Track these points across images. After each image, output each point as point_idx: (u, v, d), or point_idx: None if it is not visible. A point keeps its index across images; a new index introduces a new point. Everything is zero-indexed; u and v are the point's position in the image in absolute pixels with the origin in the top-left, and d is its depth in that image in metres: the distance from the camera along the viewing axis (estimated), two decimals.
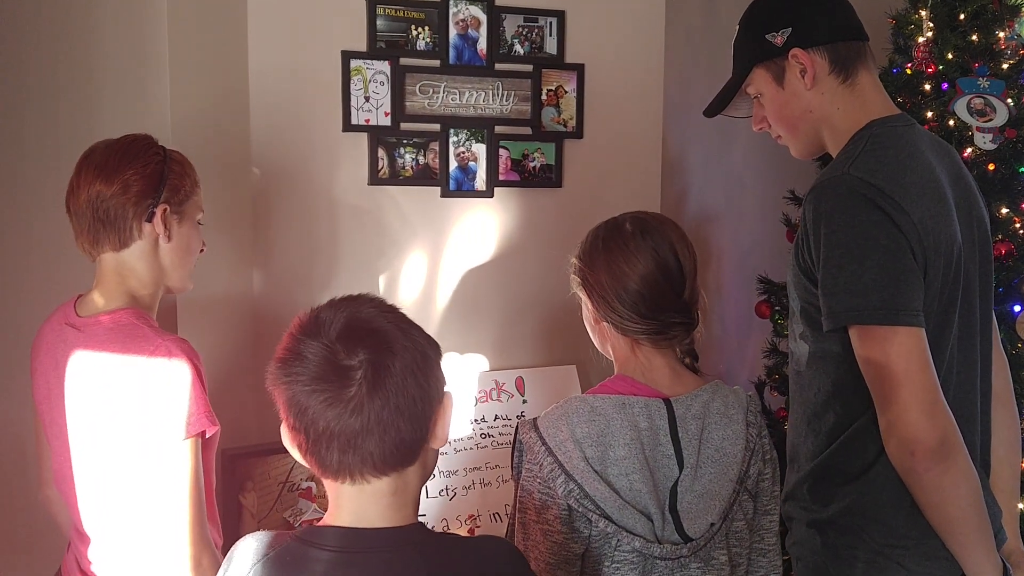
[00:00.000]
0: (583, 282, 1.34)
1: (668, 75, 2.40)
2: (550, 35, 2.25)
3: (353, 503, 1.00)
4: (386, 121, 2.14)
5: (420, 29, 2.14)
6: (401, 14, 2.13)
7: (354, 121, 2.12)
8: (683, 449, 1.26)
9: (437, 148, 2.18)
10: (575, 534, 1.22)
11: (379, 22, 2.11)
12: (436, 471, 2.11)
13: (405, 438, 0.97)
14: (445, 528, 2.07)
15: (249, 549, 1.01)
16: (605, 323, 1.33)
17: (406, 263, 2.19)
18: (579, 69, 2.28)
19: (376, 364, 0.95)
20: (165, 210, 1.44)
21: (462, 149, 2.21)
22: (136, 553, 1.40)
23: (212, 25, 2.00)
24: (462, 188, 2.22)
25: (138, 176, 1.41)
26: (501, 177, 2.25)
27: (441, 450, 2.09)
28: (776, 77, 1.42)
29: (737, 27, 1.49)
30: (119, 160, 1.42)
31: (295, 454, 1.01)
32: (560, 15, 2.25)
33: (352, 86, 2.11)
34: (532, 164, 2.27)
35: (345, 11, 2.09)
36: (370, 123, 2.13)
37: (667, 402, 1.28)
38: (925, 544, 1.30)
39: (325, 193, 2.12)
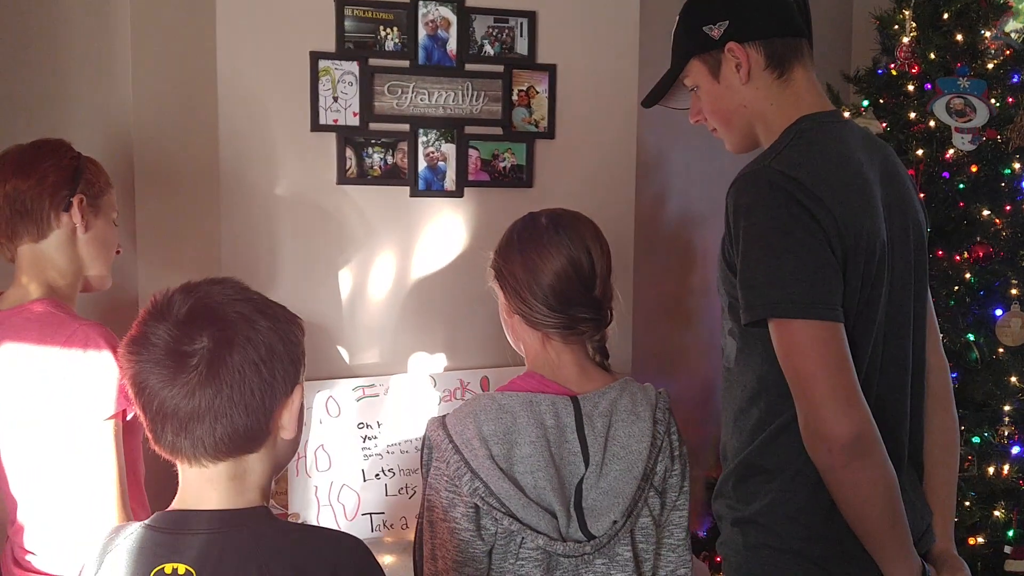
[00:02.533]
0: (498, 275, 1.37)
1: (643, 75, 2.39)
2: (521, 36, 2.25)
3: (191, 485, 1.04)
4: (355, 121, 2.15)
5: (389, 30, 2.15)
6: (370, 15, 2.14)
7: (322, 121, 2.13)
8: (589, 446, 1.28)
9: (406, 148, 2.19)
10: (481, 531, 1.24)
11: (347, 23, 2.12)
12: (395, 469, 2.12)
13: (239, 428, 0.99)
14: (403, 526, 2.08)
15: (115, 541, 1.03)
16: (516, 316, 1.34)
17: (375, 262, 2.21)
18: (551, 70, 2.28)
19: (213, 353, 0.97)
20: (82, 200, 1.50)
21: (431, 149, 2.21)
22: (68, 538, 1.43)
23: (179, 24, 2.03)
24: (431, 188, 2.22)
25: (54, 168, 1.48)
26: (471, 177, 2.25)
27: (400, 448, 2.12)
28: (712, 70, 1.42)
29: (677, 18, 1.49)
30: (34, 156, 1.49)
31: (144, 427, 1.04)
32: (531, 16, 2.25)
33: (320, 86, 2.12)
34: (502, 164, 2.27)
35: (313, 11, 2.10)
36: (338, 123, 2.14)
37: (574, 399, 1.30)
38: (844, 544, 1.30)
39: (293, 193, 2.14)
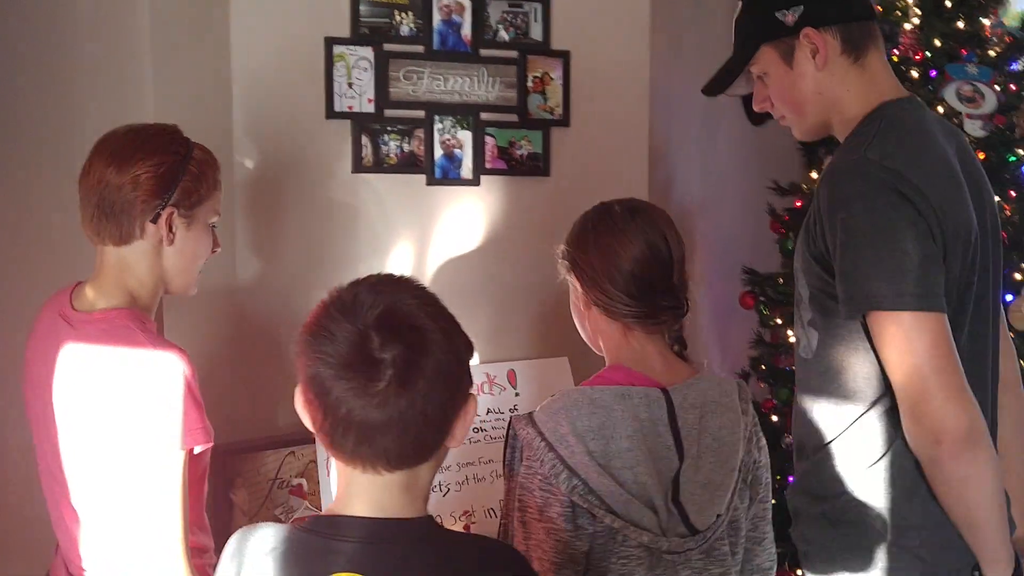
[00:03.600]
0: (573, 266, 1.32)
1: (654, 61, 2.37)
2: (535, 21, 2.22)
3: (367, 493, 0.98)
4: (370, 108, 2.10)
5: (404, 15, 2.11)
6: (384, 0, 2.09)
7: (337, 108, 2.08)
8: (683, 439, 1.23)
9: (422, 135, 2.15)
10: (579, 531, 1.19)
11: (362, 7, 2.07)
12: None
13: (424, 439, 0.95)
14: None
15: (257, 544, 0.98)
16: (595, 308, 1.31)
17: (391, 253, 2.16)
18: (565, 56, 2.25)
19: (409, 363, 0.91)
20: (172, 213, 1.36)
21: (447, 136, 2.17)
22: (126, 561, 1.35)
23: (194, 11, 1.97)
24: (448, 176, 2.18)
25: (151, 174, 1.33)
26: (488, 165, 2.21)
27: None
28: (784, 57, 1.39)
29: (740, 3, 1.46)
30: (135, 150, 1.34)
31: (306, 421, 0.98)
32: (545, 1, 2.22)
33: (335, 72, 2.07)
34: (519, 152, 2.24)
35: None
36: (353, 110, 2.09)
37: (665, 391, 1.26)
38: (940, 533, 1.28)
39: (308, 182, 2.08)
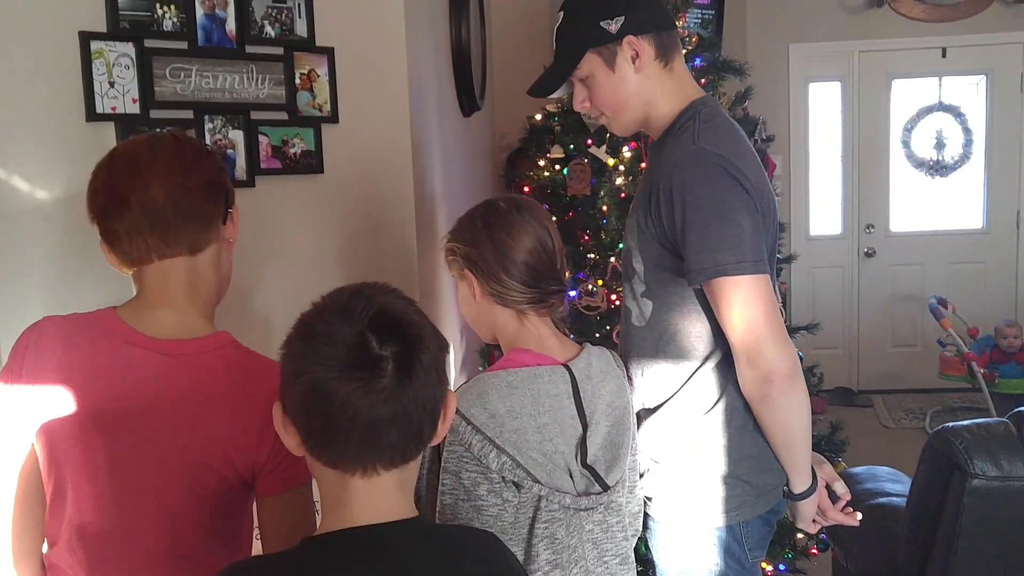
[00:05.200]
0: (467, 261, 1.40)
1: (410, 56, 2.44)
2: (299, 17, 2.19)
3: (366, 498, 0.99)
4: (135, 108, 1.95)
5: (166, 8, 1.97)
6: None
7: (99, 110, 1.90)
8: (585, 408, 1.37)
9: (193, 135, 2.03)
10: (506, 504, 1.29)
11: (120, 0, 1.91)
12: None
13: (423, 431, 0.98)
14: None
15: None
16: (489, 298, 1.39)
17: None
18: (329, 53, 2.24)
19: (407, 357, 0.95)
20: (236, 211, 1.33)
21: (219, 136, 2.08)
22: None
23: None
24: None
25: (219, 173, 1.30)
26: (263, 165, 2.15)
27: None
28: (608, 61, 1.55)
29: (561, 13, 1.59)
30: (196, 153, 1.28)
31: (289, 440, 0.97)
32: None
33: (94, 71, 1.89)
34: (293, 151, 2.20)
35: None
36: (117, 111, 1.93)
37: (567, 367, 1.39)
38: (763, 460, 1.53)
39: (69, 191, 1.88)
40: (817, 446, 3.23)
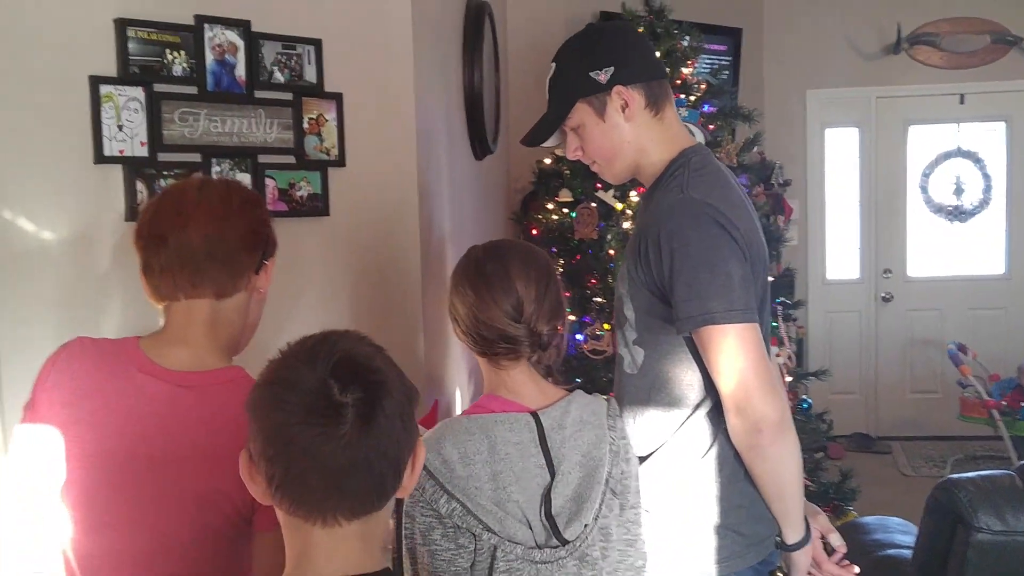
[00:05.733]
0: (449, 308, 1.43)
1: (419, 101, 2.47)
2: (308, 63, 2.23)
3: (327, 549, 0.98)
4: (143, 151, 1.98)
5: (176, 53, 2.02)
6: (154, 37, 1.99)
7: (107, 152, 1.94)
8: (553, 457, 1.37)
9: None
10: (461, 549, 1.29)
11: (131, 45, 1.95)
12: None
13: (385, 480, 0.97)
14: None
15: None
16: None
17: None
18: (338, 98, 2.28)
19: (369, 404, 0.94)
20: (272, 263, 1.36)
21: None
22: None
23: None
24: None
25: (260, 222, 1.34)
26: (269, 208, 2.17)
27: None
28: (598, 111, 1.57)
29: (553, 64, 1.61)
30: (241, 200, 1.34)
31: (255, 488, 0.96)
32: (317, 43, 2.23)
33: (103, 114, 1.93)
34: (299, 193, 2.23)
35: (91, 32, 1.91)
36: (125, 154, 1.96)
37: (535, 415, 1.38)
38: (754, 509, 1.52)
39: (77, 233, 1.92)
40: (825, 494, 3.20)
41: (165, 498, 1.27)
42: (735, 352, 1.42)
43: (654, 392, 1.55)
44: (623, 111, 1.57)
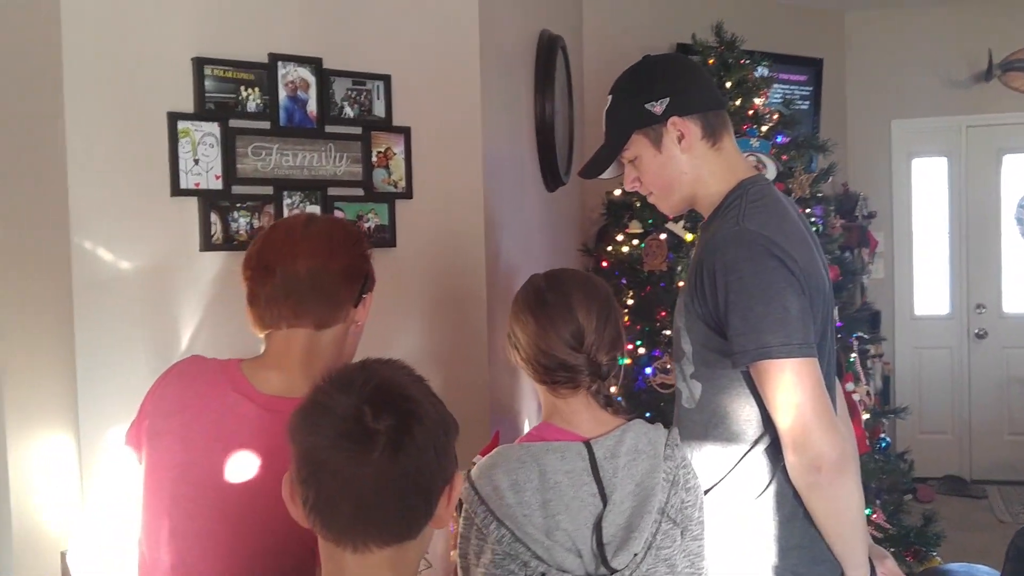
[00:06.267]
0: (508, 335, 1.43)
1: (486, 135, 2.50)
2: (378, 98, 2.28)
3: (358, 574, 0.97)
4: (217, 184, 2.06)
5: (250, 90, 2.09)
6: (230, 74, 2.06)
7: (183, 185, 2.01)
8: (605, 486, 1.36)
9: (272, 211, 2.12)
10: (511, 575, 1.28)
11: (207, 83, 2.03)
12: None
13: (416, 510, 0.98)
14: None
15: None
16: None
17: (244, 330, 2.09)
18: (406, 132, 2.33)
19: (401, 432, 0.95)
20: (370, 297, 1.43)
21: (296, 212, 2.16)
22: None
23: (21, 90, 1.84)
24: None
25: (361, 257, 1.42)
26: None
27: None
28: (654, 142, 1.56)
29: (610, 96, 1.61)
30: (344, 236, 1.41)
31: (295, 510, 0.98)
32: (386, 79, 2.28)
33: (180, 149, 2.01)
34: (367, 225, 2.27)
35: (170, 70, 2.00)
36: (200, 187, 2.04)
37: (587, 444, 1.37)
38: (814, 550, 1.46)
39: (154, 263, 1.99)
40: (906, 538, 3.07)
41: (238, 517, 1.31)
42: (792, 387, 1.38)
43: (711, 427, 1.52)
44: (679, 142, 1.55)
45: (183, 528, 1.33)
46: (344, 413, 0.95)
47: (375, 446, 0.94)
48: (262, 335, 1.44)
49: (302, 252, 1.37)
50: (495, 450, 1.39)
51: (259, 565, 1.30)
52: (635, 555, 1.36)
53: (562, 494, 1.33)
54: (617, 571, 1.35)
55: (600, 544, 1.35)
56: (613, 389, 1.68)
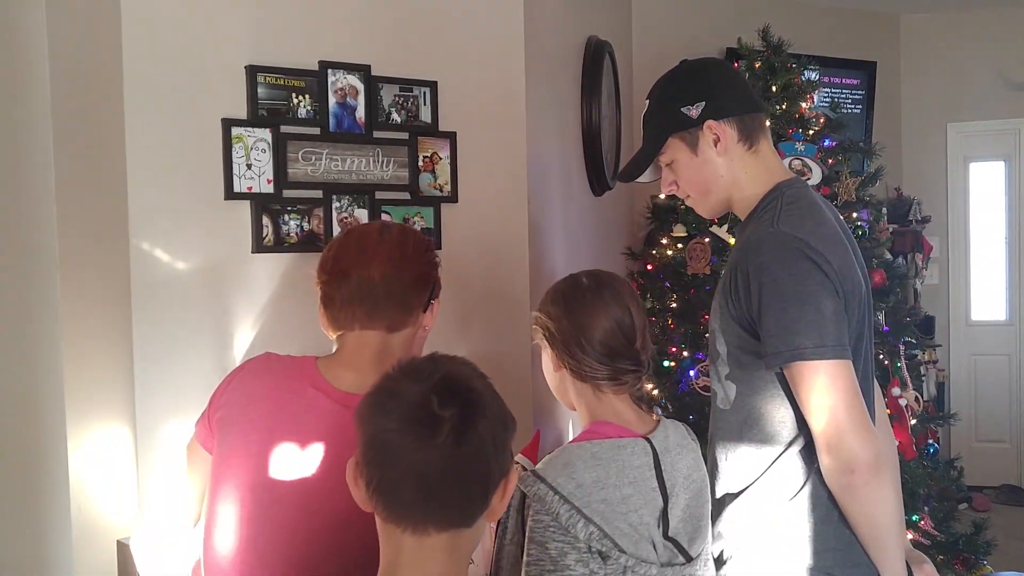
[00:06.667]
0: (547, 334, 1.44)
1: (530, 140, 2.54)
2: (424, 104, 2.33)
3: (415, 557, 1.03)
4: (269, 188, 2.13)
5: (301, 97, 2.16)
6: (282, 82, 2.13)
7: (236, 189, 2.09)
8: (666, 480, 1.38)
9: (321, 214, 2.19)
10: (592, 574, 1.31)
11: (260, 90, 2.10)
12: None
13: (473, 497, 1.02)
14: None
15: None
16: (564, 370, 1.43)
17: (297, 330, 2.17)
18: (452, 137, 2.38)
19: (464, 421, 1.00)
20: (438, 303, 1.50)
21: (345, 215, 2.23)
22: None
23: (89, 93, 1.93)
24: None
25: (430, 265, 1.48)
26: None
27: None
28: (690, 145, 1.59)
29: (647, 101, 1.64)
30: (416, 244, 1.48)
31: (357, 492, 1.03)
32: (432, 85, 2.34)
33: (234, 154, 2.08)
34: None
35: (224, 78, 2.07)
36: (253, 191, 2.11)
37: (648, 439, 1.41)
38: (849, 553, 1.47)
39: (208, 264, 2.07)
40: (955, 545, 3.02)
41: (307, 508, 1.36)
42: (826, 389, 1.39)
43: (746, 428, 1.53)
44: (715, 145, 1.57)
45: (259, 515, 1.38)
46: (412, 400, 1.00)
47: (440, 432, 0.98)
48: (334, 336, 1.50)
49: (377, 258, 1.44)
50: (561, 451, 1.39)
51: (333, 556, 1.35)
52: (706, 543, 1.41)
53: (639, 488, 1.36)
54: (693, 559, 1.40)
55: (667, 536, 1.38)
56: (656, 392, 1.70)
